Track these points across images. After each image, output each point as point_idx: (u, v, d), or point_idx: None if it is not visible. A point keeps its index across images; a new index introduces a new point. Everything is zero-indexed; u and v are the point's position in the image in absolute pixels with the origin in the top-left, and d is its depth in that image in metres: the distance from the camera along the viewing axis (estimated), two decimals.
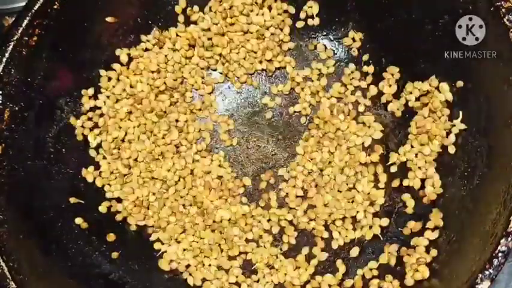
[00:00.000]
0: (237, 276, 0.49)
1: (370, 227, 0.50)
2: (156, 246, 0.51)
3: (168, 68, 0.54)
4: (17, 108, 0.46)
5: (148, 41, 0.54)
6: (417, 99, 0.50)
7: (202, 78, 0.55)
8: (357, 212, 0.50)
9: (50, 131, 0.49)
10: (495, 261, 0.38)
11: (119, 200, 0.51)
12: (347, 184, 0.51)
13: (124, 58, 0.53)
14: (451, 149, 0.48)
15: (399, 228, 0.49)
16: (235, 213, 0.51)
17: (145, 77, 0.53)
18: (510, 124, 0.42)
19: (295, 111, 0.54)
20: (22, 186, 0.46)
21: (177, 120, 0.53)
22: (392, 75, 0.51)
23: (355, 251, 0.50)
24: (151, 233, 0.51)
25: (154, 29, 0.54)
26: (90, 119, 0.52)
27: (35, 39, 0.47)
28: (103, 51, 0.52)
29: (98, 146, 0.52)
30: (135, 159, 0.52)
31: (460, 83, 0.47)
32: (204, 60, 0.54)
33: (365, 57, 0.53)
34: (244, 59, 0.54)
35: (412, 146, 0.50)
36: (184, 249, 0.50)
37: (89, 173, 0.51)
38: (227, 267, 0.49)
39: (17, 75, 0.46)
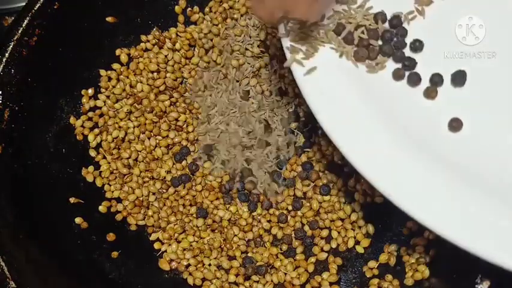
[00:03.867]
0: (236, 276, 0.49)
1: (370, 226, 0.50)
2: (156, 246, 0.51)
3: (168, 68, 0.54)
4: (17, 108, 0.46)
5: (148, 41, 0.54)
6: None
7: (202, 78, 0.55)
8: (356, 211, 0.50)
9: (50, 131, 0.49)
10: None
11: (118, 200, 0.51)
12: (347, 184, 0.51)
13: (124, 58, 0.53)
14: None
15: (399, 228, 0.49)
16: (235, 213, 0.51)
17: (145, 77, 0.53)
18: None
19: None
20: (22, 186, 0.46)
21: (177, 120, 0.53)
22: None
23: (354, 251, 0.50)
24: (151, 233, 0.51)
25: (154, 29, 0.54)
26: (90, 119, 0.52)
27: (35, 39, 0.47)
28: (103, 51, 0.52)
29: (98, 146, 0.52)
30: (135, 159, 0.52)
31: None
32: (203, 60, 0.54)
33: None
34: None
35: None
36: (184, 249, 0.50)
37: (89, 173, 0.51)
38: (227, 267, 0.49)
39: (17, 75, 0.46)
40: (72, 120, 0.51)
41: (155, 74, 0.54)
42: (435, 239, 0.47)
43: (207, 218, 0.51)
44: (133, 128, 0.52)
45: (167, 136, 0.53)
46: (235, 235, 0.50)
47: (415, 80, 0.37)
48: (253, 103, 0.54)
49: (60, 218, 0.48)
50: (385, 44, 0.38)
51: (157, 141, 0.53)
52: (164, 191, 0.52)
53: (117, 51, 0.53)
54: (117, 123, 0.52)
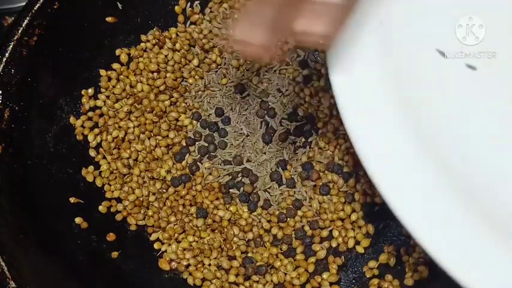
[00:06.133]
0: (236, 276, 0.49)
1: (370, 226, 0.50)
2: (156, 246, 0.51)
3: (168, 68, 0.54)
4: (17, 108, 0.46)
5: (148, 41, 0.54)
6: None
7: (202, 78, 0.55)
8: (356, 211, 0.50)
9: (50, 131, 0.49)
10: None
11: (119, 200, 0.51)
12: (347, 184, 0.51)
13: (124, 58, 0.53)
14: None
15: (399, 228, 0.49)
16: (235, 213, 0.51)
17: (145, 77, 0.53)
18: None
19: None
20: (22, 186, 0.46)
21: (177, 120, 0.53)
22: None
23: (354, 251, 0.50)
24: (151, 233, 0.51)
25: (154, 29, 0.54)
26: (90, 119, 0.52)
27: (35, 39, 0.47)
28: (103, 51, 0.52)
29: (98, 146, 0.52)
30: (135, 159, 0.52)
31: None
32: (203, 62, 0.55)
33: None
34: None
35: None
36: (184, 249, 0.50)
37: (89, 173, 0.51)
38: (227, 267, 0.49)
39: (17, 75, 0.46)
40: (72, 120, 0.51)
41: (155, 74, 0.54)
42: None
43: (207, 218, 0.51)
44: (133, 128, 0.52)
45: (167, 136, 0.53)
46: (235, 235, 0.50)
47: None
48: (253, 103, 0.54)
49: (60, 218, 0.48)
50: None
51: (157, 141, 0.53)
52: (164, 191, 0.52)
53: (117, 51, 0.53)
54: (117, 123, 0.52)
